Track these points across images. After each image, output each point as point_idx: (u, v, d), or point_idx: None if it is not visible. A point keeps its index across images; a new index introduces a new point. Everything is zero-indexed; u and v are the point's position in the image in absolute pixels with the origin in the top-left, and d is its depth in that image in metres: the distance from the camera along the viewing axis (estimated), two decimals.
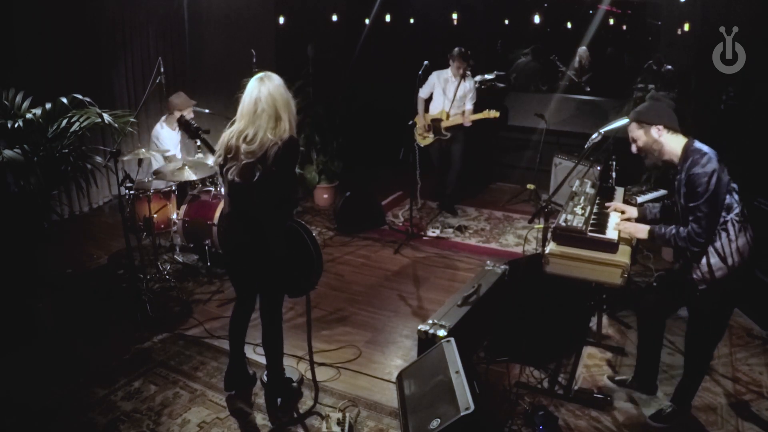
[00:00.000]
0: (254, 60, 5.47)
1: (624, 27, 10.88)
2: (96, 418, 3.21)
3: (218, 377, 3.57)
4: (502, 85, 8.08)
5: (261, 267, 3.10)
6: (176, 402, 3.36)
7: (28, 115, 4.07)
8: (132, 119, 4.53)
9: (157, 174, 4.73)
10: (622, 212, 3.38)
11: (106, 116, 4.23)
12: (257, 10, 7.12)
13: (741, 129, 4.97)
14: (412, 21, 8.63)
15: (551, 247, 3.10)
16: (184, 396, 3.42)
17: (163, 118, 5.24)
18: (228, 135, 2.98)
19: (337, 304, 4.53)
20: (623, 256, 3.02)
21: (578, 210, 3.32)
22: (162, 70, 4.46)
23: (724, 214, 2.82)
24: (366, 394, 3.47)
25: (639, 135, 3.01)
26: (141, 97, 5.72)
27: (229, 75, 5.93)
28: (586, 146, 3.42)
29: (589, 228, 3.13)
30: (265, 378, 3.44)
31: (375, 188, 6.71)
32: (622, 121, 3.25)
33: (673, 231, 2.93)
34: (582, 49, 8.18)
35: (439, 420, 2.71)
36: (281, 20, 7.01)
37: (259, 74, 2.97)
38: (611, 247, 3.02)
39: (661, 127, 2.94)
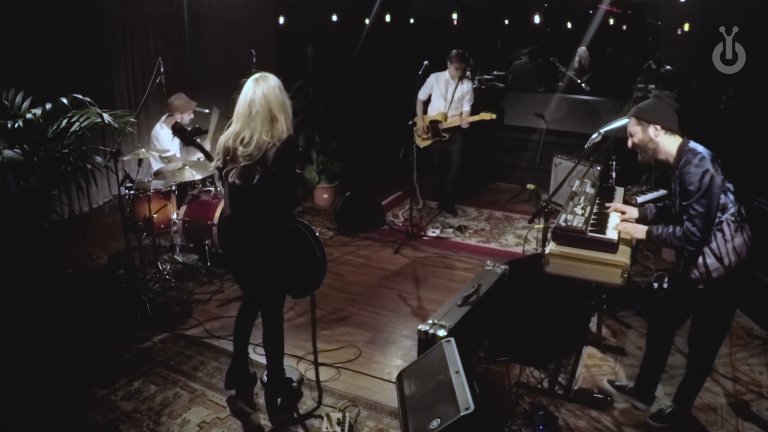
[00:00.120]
0: (254, 60, 5.47)
1: (624, 27, 10.89)
2: (96, 418, 3.21)
3: (218, 377, 3.58)
4: (501, 85, 8.08)
5: (261, 267, 3.11)
6: (176, 402, 3.36)
7: (28, 115, 4.08)
8: (132, 119, 4.54)
9: (158, 175, 4.74)
10: (623, 213, 3.38)
11: (106, 116, 4.23)
12: (257, 10, 7.12)
13: (741, 129, 4.96)
14: (412, 21, 8.64)
15: (551, 247, 3.09)
16: (184, 396, 3.42)
17: (163, 118, 5.23)
18: (225, 137, 2.98)
19: (337, 304, 4.53)
20: (623, 256, 3.01)
21: (578, 210, 3.31)
22: (162, 70, 4.47)
23: (719, 214, 2.82)
24: (366, 394, 3.47)
25: (636, 131, 3.01)
26: (141, 97, 5.73)
27: (229, 75, 5.90)
28: (586, 146, 3.41)
29: (589, 228, 3.13)
30: (265, 378, 3.44)
31: (375, 188, 6.71)
32: (622, 121, 3.25)
33: (670, 231, 2.93)
34: (582, 49, 8.16)
35: (439, 420, 2.71)
36: (281, 20, 7.01)
37: (255, 75, 2.96)
38: (611, 247, 3.02)
39: (659, 127, 2.94)
